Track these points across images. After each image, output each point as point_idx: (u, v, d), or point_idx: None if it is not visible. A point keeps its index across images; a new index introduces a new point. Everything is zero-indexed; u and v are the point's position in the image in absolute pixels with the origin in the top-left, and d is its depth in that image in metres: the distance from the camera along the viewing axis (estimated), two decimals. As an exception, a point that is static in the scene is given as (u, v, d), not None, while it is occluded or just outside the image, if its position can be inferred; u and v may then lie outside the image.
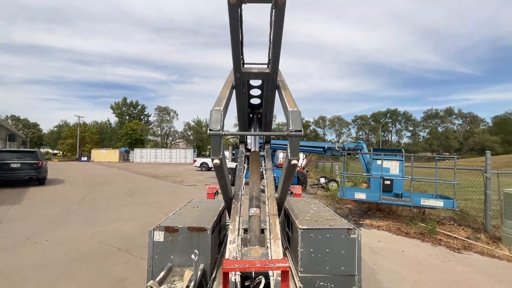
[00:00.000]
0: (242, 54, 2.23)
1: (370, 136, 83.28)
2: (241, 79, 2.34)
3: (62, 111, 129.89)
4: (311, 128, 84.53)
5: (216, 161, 1.83)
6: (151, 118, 72.37)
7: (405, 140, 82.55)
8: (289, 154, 1.88)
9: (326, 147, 9.75)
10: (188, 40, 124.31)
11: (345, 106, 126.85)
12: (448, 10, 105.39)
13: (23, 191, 11.59)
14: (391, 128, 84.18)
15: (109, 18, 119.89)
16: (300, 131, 1.73)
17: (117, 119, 72.61)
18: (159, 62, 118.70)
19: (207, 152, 61.20)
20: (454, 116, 78.43)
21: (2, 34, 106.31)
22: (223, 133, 1.73)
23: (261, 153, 3.24)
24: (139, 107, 73.53)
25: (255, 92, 2.77)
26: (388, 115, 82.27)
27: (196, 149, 55.79)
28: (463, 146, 70.85)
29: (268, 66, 2.34)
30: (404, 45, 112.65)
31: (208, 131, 1.73)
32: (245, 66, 2.39)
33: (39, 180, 13.33)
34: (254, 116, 3.19)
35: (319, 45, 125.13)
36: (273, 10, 1.62)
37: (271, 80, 2.32)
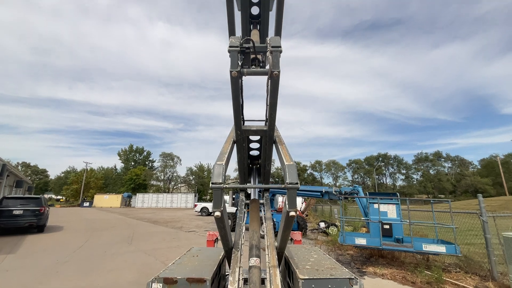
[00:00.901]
0: (242, 114, 2.54)
1: (365, 179, 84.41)
2: (241, 135, 2.59)
3: (72, 158, 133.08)
4: (308, 172, 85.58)
5: (217, 213, 1.86)
6: (155, 164, 73.60)
7: (399, 182, 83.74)
8: (287, 205, 1.94)
9: (323, 191, 9.85)
10: (194, 93, 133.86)
11: (339, 151, 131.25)
12: (422, 68, 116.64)
13: (21, 239, 11.48)
14: (384, 171, 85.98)
15: (125, 76, 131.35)
16: (297, 183, 1.82)
17: (123, 165, 73.89)
18: (166, 113, 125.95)
19: (208, 196, 60.25)
20: (443, 159, 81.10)
21: (28, 89, 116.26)
22: (224, 186, 1.82)
23: (261, 201, 3.33)
24: (145, 153, 75.38)
25: (254, 145, 3.00)
26: (380, 159, 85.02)
27: (197, 194, 55.19)
28: (457, 188, 71.79)
29: (265, 124, 2.61)
30: (387, 96, 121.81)
31: (211, 184, 1.83)
32: (245, 124, 2.70)
33: (39, 227, 13.24)
34: (254, 166, 3.38)
35: (311, 96, 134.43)
36: (269, 80, 1.95)
37: (268, 136, 2.56)
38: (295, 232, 4.57)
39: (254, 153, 3.19)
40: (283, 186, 1.86)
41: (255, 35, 2.93)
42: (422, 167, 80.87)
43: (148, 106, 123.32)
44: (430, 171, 79.85)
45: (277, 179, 65.79)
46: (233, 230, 2.68)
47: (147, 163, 74.16)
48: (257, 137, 2.85)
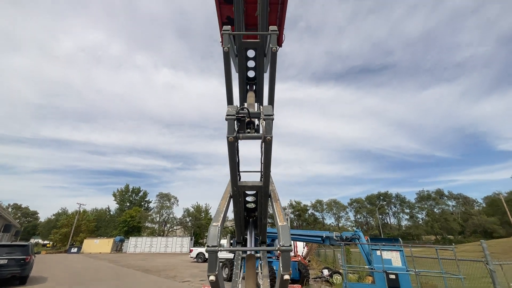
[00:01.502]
0: (238, 171, 2.68)
1: (368, 219, 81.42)
2: (237, 191, 2.71)
3: (66, 198, 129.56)
4: (309, 212, 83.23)
5: (212, 277, 1.86)
6: (151, 205, 71.40)
7: (404, 222, 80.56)
8: (281, 269, 1.93)
9: (324, 236, 9.48)
10: (194, 132, 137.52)
11: (339, 189, 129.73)
12: (413, 107, 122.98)
13: (0, 293, 10.58)
14: (387, 211, 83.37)
15: (128, 116, 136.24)
16: (290, 245, 1.87)
17: (117, 206, 71.56)
18: (166, 152, 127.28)
19: (204, 240, 57.20)
20: (446, 198, 79.24)
21: (32, 130, 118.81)
22: (219, 249, 1.84)
23: (257, 255, 3.31)
24: (141, 193, 73.67)
25: (250, 198, 3.10)
26: (381, 197, 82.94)
27: (193, 237, 52.52)
28: (465, 228, 68.76)
29: (260, 180, 2.75)
30: (383, 134, 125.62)
31: (206, 247, 1.88)
32: (241, 180, 2.82)
33: (22, 278, 12.28)
34: (250, 219, 3.43)
35: (308, 135, 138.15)
36: (263, 144, 2.15)
37: (264, 192, 2.69)
38: (295, 286, 4.35)
39: (250, 205, 3.23)
40: (276, 248, 1.88)
41: (250, 97, 3.29)
42: (426, 205, 78.81)
43: (148, 145, 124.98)
44: (435, 209, 77.77)
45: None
46: (230, 279, 2.62)
47: (143, 203, 71.98)
48: (253, 192, 2.94)
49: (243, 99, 3.50)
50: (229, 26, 2.70)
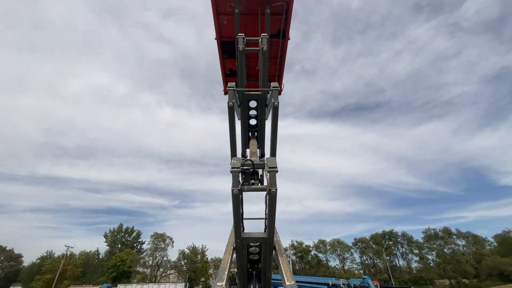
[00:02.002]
0: (242, 223, 2.71)
1: (376, 261, 76.13)
2: (241, 243, 2.68)
3: (54, 239, 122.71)
4: (312, 253, 78.78)
5: None
6: (145, 246, 67.43)
7: (414, 264, 74.91)
8: None
9: (330, 284, 8.59)
10: (193, 169, 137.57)
11: (342, 228, 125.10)
12: (409, 143, 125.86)
13: None
14: (395, 251, 78.73)
15: (127, 153, 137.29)
16: None
17: (108, 248, 67.43)
18: (163, 189, 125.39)
19: (200, 286, 52.83)
20: (454, 236, 75.54)
21: (29, 167, 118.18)
22: None
23: None
24: (134, 233, 70.09)
25: (254, 250, 3.04)
26: (387, 237, 78.61)
27: (187, 284, 48.46)
28: (479, 271, 64.54)
29: (265, 231, 2.72)
30: (382, 169, 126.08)
31: None
32: (245, 230, 2.83)
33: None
34: (254, 271, 3.35)
35: (308, 171, 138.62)
36: (267, 196, 2.13)
37: (268, 244, 2.65)
38: None
39: (254, 257, 3.16)
40: None
41: (253, 145, 3.46)
42: (435, 245, 74.96)
43: (146, 182, 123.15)
44: (444, 249, 73.79)
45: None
46: None
47: (135, 244, 67.96)
48: (257, 243, 2.92)
49: (245, 144, 3.72)
50: (234, 83, 2.96)
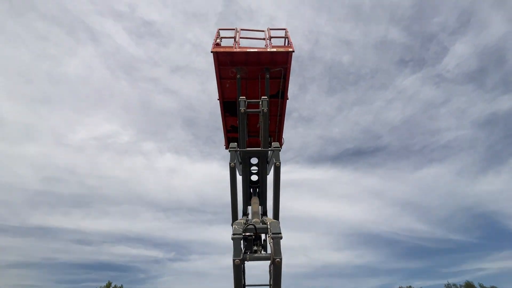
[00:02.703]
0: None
1: None
2: None
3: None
4: None
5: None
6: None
7: None
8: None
9: None
10: (192, 217, 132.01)
11: (353, 283, 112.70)
12: (413, 187, 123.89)
13: None
14: None
15: (124, 201, 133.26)
16: None
17: (91, 312, 59.98)
18: (159, 240, 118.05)
19: None
20: None
21: (21, 217, 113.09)
22: None
23: None
24: (123, 294, 63.32)
25: None
26: None
27: None
28: None
29: None
30: (389, 215, 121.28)
31: None
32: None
33: None
34: None
35: (311, 218, 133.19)
36: (271, 266, 2.00)
37: None
38: None
39: None
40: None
41: (255, 204, 3.42)
42: (461, 303, 67.03)
43: (141, 232, 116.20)
44: (472, 308, 65.69)
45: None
46: None
47: (123, 308, 60.60)
48: None
49: (246, 202, 3.69)
50: (236, 144, 3.04)
